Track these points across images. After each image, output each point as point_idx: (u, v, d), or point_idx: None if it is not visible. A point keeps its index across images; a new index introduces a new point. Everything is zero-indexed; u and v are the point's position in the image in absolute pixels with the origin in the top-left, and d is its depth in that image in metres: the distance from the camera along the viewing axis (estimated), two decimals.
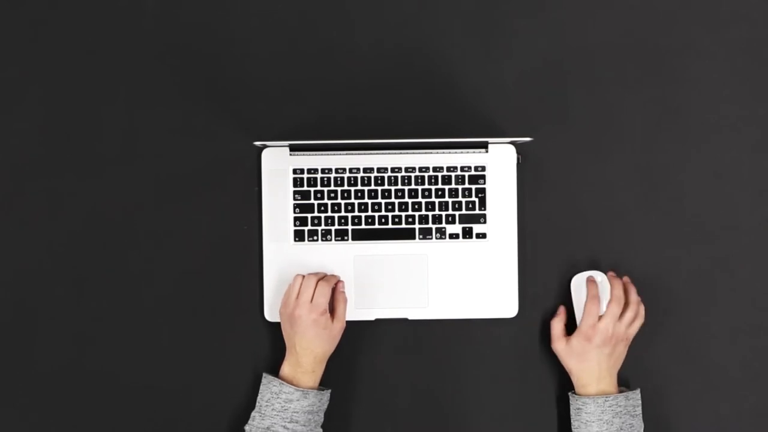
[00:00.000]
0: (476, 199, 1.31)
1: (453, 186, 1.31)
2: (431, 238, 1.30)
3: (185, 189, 1.32)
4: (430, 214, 1.30)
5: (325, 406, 1.24)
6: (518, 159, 1.31)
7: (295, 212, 1.30)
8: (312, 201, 1.30)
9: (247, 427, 1.22)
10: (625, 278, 1.28)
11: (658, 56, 1.33)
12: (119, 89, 1.32)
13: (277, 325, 1.29)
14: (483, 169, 1.31)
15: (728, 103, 1.33)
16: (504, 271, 1.31)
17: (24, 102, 1.32)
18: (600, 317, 1.24)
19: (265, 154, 1.31)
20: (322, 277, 1.25)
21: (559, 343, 1.25)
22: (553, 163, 1.32)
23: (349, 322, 1.28)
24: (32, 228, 1.31)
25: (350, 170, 1.31)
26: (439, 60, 1.33)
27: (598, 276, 1.31)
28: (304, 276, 1.24)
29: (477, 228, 1.31)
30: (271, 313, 1.30)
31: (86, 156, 1.32)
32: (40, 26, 1.33)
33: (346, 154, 1.30)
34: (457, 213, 1.30)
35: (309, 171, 1.31)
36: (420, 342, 1.32)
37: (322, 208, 1.30)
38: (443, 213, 1.30)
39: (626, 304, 1.25)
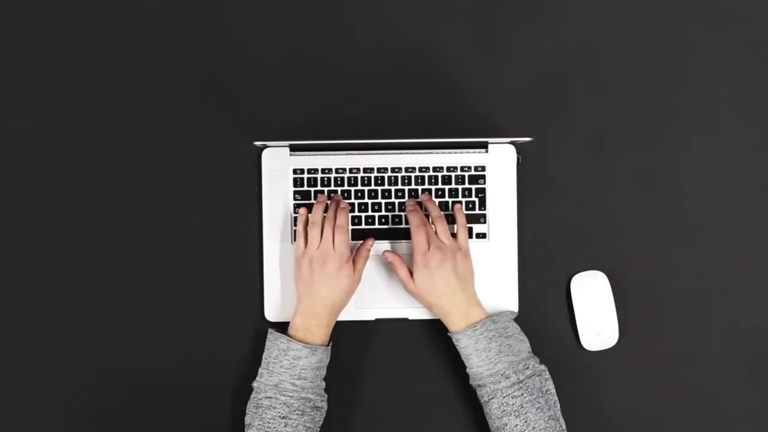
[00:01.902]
0: (476, 199, 1.31)
1: (453, 186, 1.31)
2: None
3: (185, 189, 1.32)
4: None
5: (329, 360, 1.24)
6: (518, 159, 1.31)
7: (295, 212, 1.31)
8: (312, 201, 1.30)
9: (254, 383, 1.21)
10: (423, 197, 1.28)
11: (658, 56, 1.33)
12: (119, 89, 1.32)
13: (277, 326, 1.29)
14: (483, 169, 1.31)
15: (728, 103, 1.33)
16: (504, 271, 1.31)
17: (24, 102, 1.32)
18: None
19: (265, 154, 1.31)
20: (337, 223, 1.23)
21: (409, 285, 1.25)
22: (553, 163, 1.32)
23: (349, 322, 1.28)
24: (32, 228, 1.31)
25: (350, 170, 1.31)
26: (439, 60, 1.33)
27: (598, 275, 1.31)
28: (320, 223, 1.23)
29: (477, 228, 1.31)
30: (271, 313, 1.30)
31: (86, 156, 1.32)
32: (40, 26, 1.33)
33: (346, 154, 1.30)
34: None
35: (309, 171, 1.31)
36: (420, 342, 1.32)
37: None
38: (443, 213, 1.30)
39: (434, 220, 1.24)
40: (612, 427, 1.31)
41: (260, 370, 1.22)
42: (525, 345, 1.22)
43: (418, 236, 1.23)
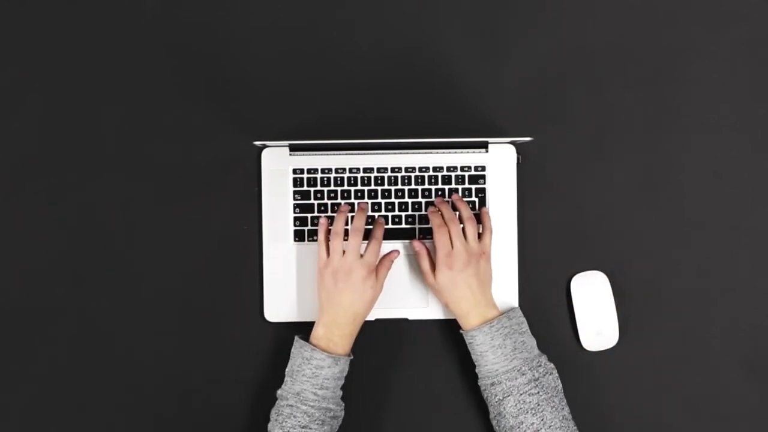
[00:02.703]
0: (476, 199, 1.31)
1: (453, 186, 1.31)
2: (431, 238, 1.30)
3: (185, 189, 1.32)
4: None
5: (348, 370, 1.23)
6: (518, 159, 1.31)
7: (295, 212, 1.31)
8: (312, 201, 1.30)
9: (279, 391, 1.21)
10: (454, 196, 1.28)
11: (658, 56, 1.33)
12: (119, 89, 1.32)
13: (277, 326, 1.29)
14: (483, 169, 1.31)
15: (728, 103, 1.33)
16: (504, 271, 1.30)
17: (24, 102, 1.32)
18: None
19: (265, 154, 1.31)
20: (373, 234, 1.24)
21: (429, 280, 1.25)
22: (553, 163, 1.32)
23: None
24: (32, 228, 1.31)
25: (350, 170, 1.31)
26: (439, 60, 1.33)
27: (598, 275, 1.31)
28: (353, 232, 1.22)
29: (477, 228, 1.31)
30: (271, 313, 1.30)
31: (86, 156, 1.32)
32: (40, 26, 1.33)
33: (346, 154, 1.30)
34: (457, 213, 1.30)
35: (309, 171, 1.31)
36: (420, 342, 1.32)
37: (322, 208, 1.30)
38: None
39: (464, 222, 1.24)
40: (612, 427, 1.31)
41: (285, 378, 1.21)
42: (534, 342, 1.23)
43: (441, 237, 1.23)
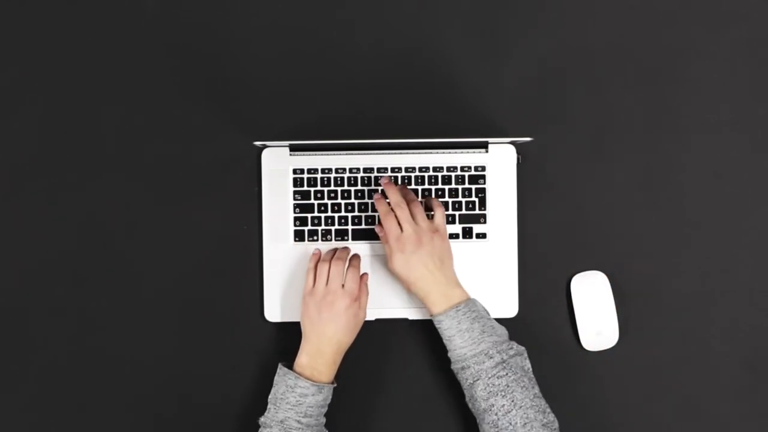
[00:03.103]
0: (476, 199, 1.31)
1: (453, 186, 1.31)
2: None
3: (185, 189, 1.32)
4: (430, 214, 1.30)
5: (330, 398, 1.23)
6: (518, 159, 1.31)
7: (295, 212, 1.31)
8: (312, 201, 1.30)
9: (262, 418, 1.21)
10: (383, 180, 1.27)
11: (658, 56, 1.33)
12: (119, 89, 1.32)
13: (277, 326, 1.29)
14: (483, 169, 1.31)
15: (728, 103, 1.33)
16: (504, 271, 1.31)
17: (24, 102, 1.32)
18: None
19: (265, 154, 1.31)
20: (350, 262, 1.24)
21: (389, 265, 1.24)
22: (553, 163, 1.32)
23: None
24: (32, 228, 1.31)
25: (350, 170, 1.31)
26: (439, 60, 1.33)
27: (598, 275, 1.31)
28: (330, 262, 1.23)
29: (477, 228, 1.31)
30: (271, 313, 1.30)
31: (86, 156, 1.32)
32: (40, 26, 1.33)
33: (346, 154, 1.30)
34: (457, 213, 1.30)
35: (309, 171, 1.31)
36: (420, 342, 1.32)
37: (322, 208, 1.30)
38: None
39: (409, 203, 1.24)
40: (612, 427, 1.31)
41: (269, 405, 1.21)
42: (505, 330, 1.22)
43: (388, 222, 1.22)
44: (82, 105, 1.32)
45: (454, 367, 1.21)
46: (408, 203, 1.24)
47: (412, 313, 1.31)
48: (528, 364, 1.20)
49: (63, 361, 1.31)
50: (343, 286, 1.22)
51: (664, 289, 1.32)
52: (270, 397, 1.21)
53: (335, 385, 1.23)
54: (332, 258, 1.24)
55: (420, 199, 1.29)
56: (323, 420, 1.22)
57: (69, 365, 1.31)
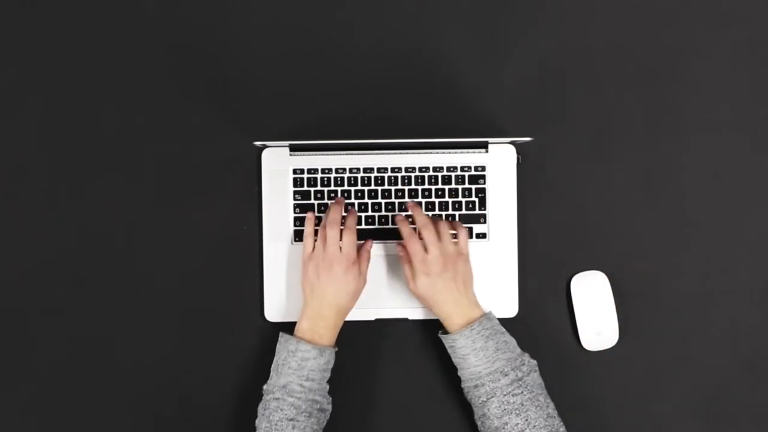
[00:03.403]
0: (476, 199, 1.31)
1: (453, 186, 1.31)
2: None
3: (185, 189, 1.32)
4: (430, 214, 1.30)
5: (333, 362, 1.23)
6: (518, 159, 1.31)
7: (295, 212, 1.31)
8: (312, 201, 1.30)
9: (265, 386, 1.21)
10: (409, 203, 1.26)
11: (658, 56, 1.33)
12: (119, 89, 1.32)
13: (277, 326, 1.29)
14: (483, 169, 1.31)
15: (728, 103, 1.33)
16: (504, 271, 1.31)
17: (24, 102, 1.32)
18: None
19: (265, 154, 1.31)
20: (346, 224, 1.23)
21: (410, 285, 1.24)
22: (553, 163, 1.32)
23: (349, 322, 1.28)
24: (32, 228, 1.31)
25: (350, 170, 1.31)
26: (439, 60, 1.33)
27: (598, 275, 1.31)
28: (326, 225, 1.22)
29: (477, 228, 1.31)
30: (271, 314, 1.30)
31: (86, 156, 1.32)
32: (40, 26, 1.33)
33: (346, 154, 1.30)
34: (457, 213, 1.30)
35: (309, 171, 1.31)
36: (420, 342, 1.32)
37: (322, 209, 1.30)
38: (443, 213, 1.30)
39: (436, 225, 1.23)
40: (611, 427, 1.31)
41: (271, 373, 1.21)
42: (514, 341, 1.22)
43: (413, 244, 1.22)
44: (82, 105, 1.32)
45: (466, 385, 1.21)
46: (436, 224, 1.23)
47: (412, 313, 1.31)
48: (541, 380, 1.21)
49: (63, 361, 1.31)
50: (340, 249, 1.22)
51: (664, 289, 1.32)
52: (273, 366, 1.21)
53: (337, 348, 1.23)
54: (327, 222, 1.23)
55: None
56: (326, 386, 1.22)
57: (69, 365, 1.31)
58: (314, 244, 1.24)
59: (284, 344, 1.21)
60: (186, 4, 1.33)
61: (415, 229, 1.24)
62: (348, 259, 1.21)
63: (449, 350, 1.23)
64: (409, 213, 1.27)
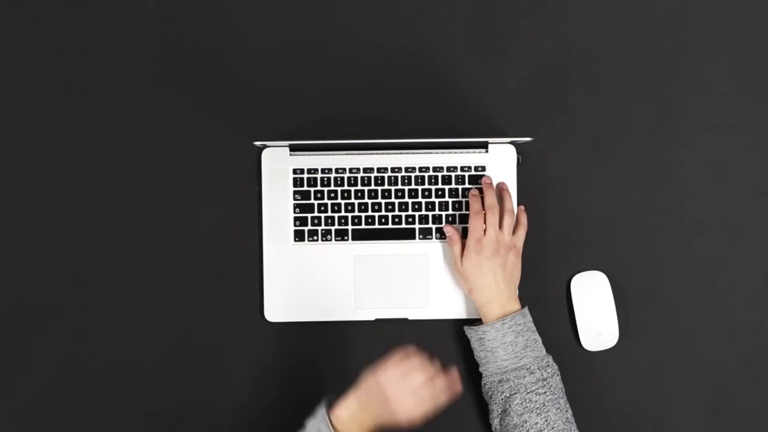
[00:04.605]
0: None
1: (453, 186, 1.31)
2: (431, 238, 1.30)
3: (185, 189, 1.32)
4: (430, 214, 1.30)
5: None
6: (518, 159, 1.31)
7: (295, 212, 1.31)
8: (312, 201, 1.30)
9: None
10: (501, 184, 1.28)
11: (658, 56, 1.33)
12: (119, 89, 1.32)
13: (277, 326, 1.29)
14: (483, 169, 1.31)
15: (728, 102, 1.33)
16: None
17: (24, 102, 1.32)
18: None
19: (265, 154, 1.31)
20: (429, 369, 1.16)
21: (457, 265, 1.25)
22: (553, 163, 1.32)
23: (349, 322, 1.28)
24: (32, 228, 1.31)
25: (350, 170, 1.31)
26: (439, 60, 1.33)
27: (598, 275, 1.31)
28: (420, 365, 1.14)
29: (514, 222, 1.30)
30: (271, 314, 1.30)
31: (86, 156, 1.32)
32: (40, 26, 1.33)
33: (346, 154, 1.30)
34: (457, 213, 1.30)
35: (309, 171, 1.31)
36: (420, 342, 1.31)
37: (322, 208, 1.30)
38: (443, 213, 1.30)
39: (503, 212, 1.24)
40: (612, 427, 1.31)
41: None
42: (541, 340, 1.23)
43: (475, 222, 1.23)
44: (83, 105, 1.32)
45: (490, 380, 1.21)
46: (504, 211, 1.24)
47: (412, 313, 1.31)
48: (562, 384, 1.21)
49: (62, 362, 1.31)
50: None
51: (664, 289, 1.32)
52: (306, 426, 1.14)
53: None
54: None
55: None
56: None
57: (68, 365, 1.31)
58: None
59: (319, 420, 1.12)
60: (186, 4, 1.33)
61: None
62: (421, 407, 1.13)
63: (476, 343, 1.23)
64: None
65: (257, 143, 1.26)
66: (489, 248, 1.22)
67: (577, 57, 1.33)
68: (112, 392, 1.31)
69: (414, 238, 1.30)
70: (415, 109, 1.32)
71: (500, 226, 1.24)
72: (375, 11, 1.33)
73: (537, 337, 1.22)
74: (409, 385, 1.12)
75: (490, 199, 1.25)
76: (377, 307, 1.30)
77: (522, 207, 1.28)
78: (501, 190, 1.28)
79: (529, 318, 1.23)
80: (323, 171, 1.31)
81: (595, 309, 1.30)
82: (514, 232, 1.25)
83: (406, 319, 1.31)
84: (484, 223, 1.23)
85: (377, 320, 1.30)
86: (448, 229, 1.27)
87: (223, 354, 1.31)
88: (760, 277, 1.32)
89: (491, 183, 1.28)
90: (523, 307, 1.24)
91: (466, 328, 1.25)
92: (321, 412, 1.13)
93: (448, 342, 1.31)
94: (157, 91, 1.32)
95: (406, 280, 1.30)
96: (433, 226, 1.30)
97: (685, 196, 1.32)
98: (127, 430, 1.31)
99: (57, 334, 1.31)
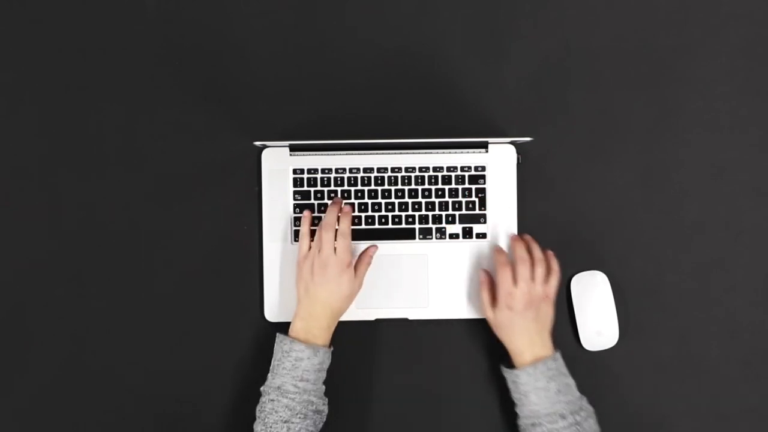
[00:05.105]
0: (476, 199, 1.31)
1: (453, 186, 1.31)
2: (431, 238, 1.30)
3: (185, 189, 1.32)
4: (430, 214, 1.30)
5: (329, 363, 1.23)
6: (518, 159, 1.31)
7: (295, 212, 1.31)
8: (312, 201, 1.30)
9: (262, 387, 1.21)
10: (526, 236, 1.28)
11: (658, 56, 1.33)
12: (119, 89, 1.32)
13: (277, 326, 1.29)
14: (483, 169, 1.31)
15: (728, 102, 1.33)
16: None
17: (24, 102, 1.32)
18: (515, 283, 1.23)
19: (265, 154, 1.31)
20: (339, 229, 1.22)
21: (487, 313, 1.25)
22: (553, 163, 1.32)
23: (349, 322, 1.28)
24: (32, 228, 1.31)
25: (350, 170, 1.31)
26: (439, 60, 1.33)
27: (598, 275, 1.31)
28: (322, 227, 1.22)
29: (477, 228, 1.31)
30: (271, 314, 1.30)
31: (86, 156, 1.32)
32: (40, 26, 1.33)
33: (346, 154, 1.30)
34: (457, 213, 1.31)
35: (309, 171, 1.31)
36: (420, 342, 1.32)
37: (322, 209, 1.30)
38: (443, 213, 1.30)
39: (534, 263, 1.24)
40: (612, 427, 1.31)
41: (268, 374, 1.22)
42: (575, 383, 1.22)
43: (503, 274, 1.23)
44: (83, 105, 1.32)
45: (524, 422, 1.21)
46: (535, 261, 1.23)
47: (412, 313, 1.31)
48: (599, 428, 1.21)
49: (62, 361, 1.31)
50: (335, 252, 1.22)
51: (664, 288, 1.32)
52: (270, 367, 1.21)
53: (332, 348, 1.23)
54: (323, 224, 1.23)
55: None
56: (322, 387, 1.22)
57: (68, 365, 1.31)
58: (310, 245, 1.24)
59: (279, 344, 1.21)
60: (186, 4, 1.33)
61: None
62: (342, 263, 1.21)
63: (510, 385, 1.23)
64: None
65: (257, 143, 1.26)
66: (521, 302, 1.21)
67: (577, 57, 1.33)
68: (112, 392, 1.31)
69: (414, 238, 1.30)
70: (415, 109, 1.32)
71: (532, 277, 1.23)
72: (375, 11, 1.33)
73: (570, 381, 1.21)
74: (322, 276, 1.21)
75: (520, 251, 1.24)
76: (377, 307, 1.30)
77: (551, 252, 1.26)
78: (528, 240, 1.27)
79: (561, 362, 1.22)
80: (323, 171, 1.31)
81: (595, 309, 1.30)
82: (546, 280, 1.24)
83: (406, 319, 1.31)
84: (513, 275, 1.23)
85: (377, 320, 1.30)
86: (482, 274, 1.27)
87: (223, 354, 1.31)
88: (760, 277, 1.32)
89: (518, 238, 1.27)
90: (555, 350, 1.23)
91: (502, 368, 1.25)
92: (278, 337, 1.22)
93: (448, 342, 1.31)
94: (157, 91, 1.32)
95: (406, 280, 1.30)
96: (433, 226, 1.30)
97: (685, 196, 1.32)
98: (127, 430, 1.31)
99: (57, 334, 1.31)
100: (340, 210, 1.25)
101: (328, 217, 1.23)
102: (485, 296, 1.25)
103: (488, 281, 1.27)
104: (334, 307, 1.22)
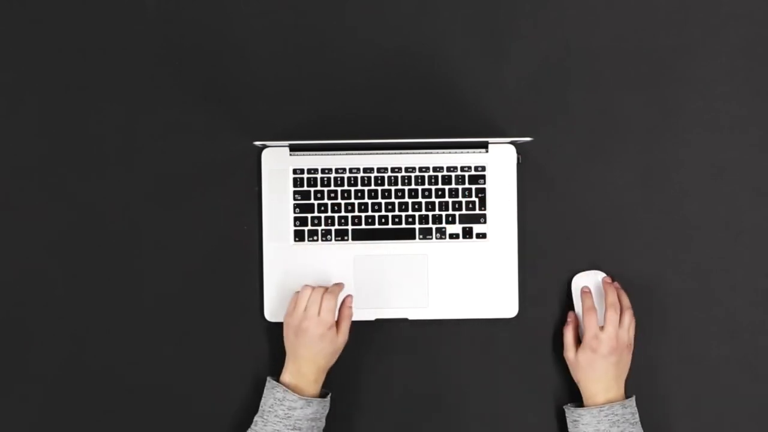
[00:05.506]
0: (476, 199, 1.31)
1: (453, 186, 1.31)
2: (431, 238, 1.30)
3: (185, 189, 1.32)
4: (430, 214, 1.30)
5: (327, 411, 1.23)
6: (518, 159, 1.31)
7: (295, 212, 1.31)
8: (312, 201, 1.30)
9: (248, 431, 1.21)
10: (616, 284, 1.29)
11: (658, 56, 1.33)
12: (119, 89, 1.32)
13: (277, 326, 1.29)
14: (483, 169, 1.31)
15: (728, 102, 1.33)
16: (504, 271, 1.30)
17: (24, 102, 1.32)
18: (601, 327, 1.23)
19: (265, 154, 1.31)
20: (328, 289, 1.23)
21: (569, 354, 1.25)
22: (553, 163, 1.32)
23: None
24: (32, 228, 1.31)
25: (350, 170, 1.31)
26: (439, 60, 1.33)
27: (598, 275, 1.31)
28: (312, 288, 1.23)
29: (477, 228, 1.31)
30: (271, 314, 1.30)
31: (86, 156, 1.32)
32: (40, 26, 1.33)
33: (346, 154, 1.30)
34: (457, 213, 1.30)
35: (309, 171, 1.31)
36: (420, 342, 1.32)
37: (322, 208, 1.30)
38: (443, 213, 1.30)
39: (622, 310, 1.25)
40: None
41: (255, 418, 1.21)
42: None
43: (590, 319, 1.24)
44: (83, 105, 1.32)
45: None
46: (624, 309, 1.25)
47: (412, 313, 1.31)
48: None
49: (62, 362, 1.31)
50: (319, 312, 1.21)
51: (664, 288, 1.32)
52: (259, 412, 1.21)
53: (326, 399, 1.22)
54: (312, 285, 1.24)
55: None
56: None
57: (68, 365, 1.31)
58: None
59: (271, 390, 1.21)
60: (186, 4, 1.33)
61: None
62: (324, 324, 1.21)
63: (570, 424, 1.24)
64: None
65: (257, 143, 1.26)
66: (607, 347, 1.22)
67: (577, 57, 1.33)
68: (111, 391, 1.31)
69: (414, 238, 1.30)
70: (415, 109, 1.32)
71: (620, 323, 1.24)
72: (375, 11, 1.33)
73: (634, 430, 1.22)
74: (305, 337, 1.21)
75: (612, 297, 1.25)
76: (377, 307, 1.30)
77: (627, 303, 1.27)
78: (617, 288, 1.28)
79: (630, 410, 1.22)
80: (323, 171, 1.31)
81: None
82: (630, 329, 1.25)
83: (406, 319, 1.31)
84: (597, 319, 1.24)
85: (377, 320, 1.30)
86: (569, 315, 1.29)
87: (223, 354, 1.31)
88: (760, 277, 1.32)
89: (611, 282, 1.28)
90: (628, 398, 1.24)
91: (566, 407, 1.25)
92: (269, 383, 1.22)
93: (448, 342, 1.31)
94: (157, 91, 1.32)
95: (406, 280, 1.30)
96: (433, 227, 1.30)
97: (685, 196, 1.32)
98: (127, 430, 1.31)
99: (57, 334, 1.31)
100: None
101: (320, 285, 1.24)
102: (569, 337, 1.26)
103: (574, 323, 1.27)
104: (320, 365, 1.22)
